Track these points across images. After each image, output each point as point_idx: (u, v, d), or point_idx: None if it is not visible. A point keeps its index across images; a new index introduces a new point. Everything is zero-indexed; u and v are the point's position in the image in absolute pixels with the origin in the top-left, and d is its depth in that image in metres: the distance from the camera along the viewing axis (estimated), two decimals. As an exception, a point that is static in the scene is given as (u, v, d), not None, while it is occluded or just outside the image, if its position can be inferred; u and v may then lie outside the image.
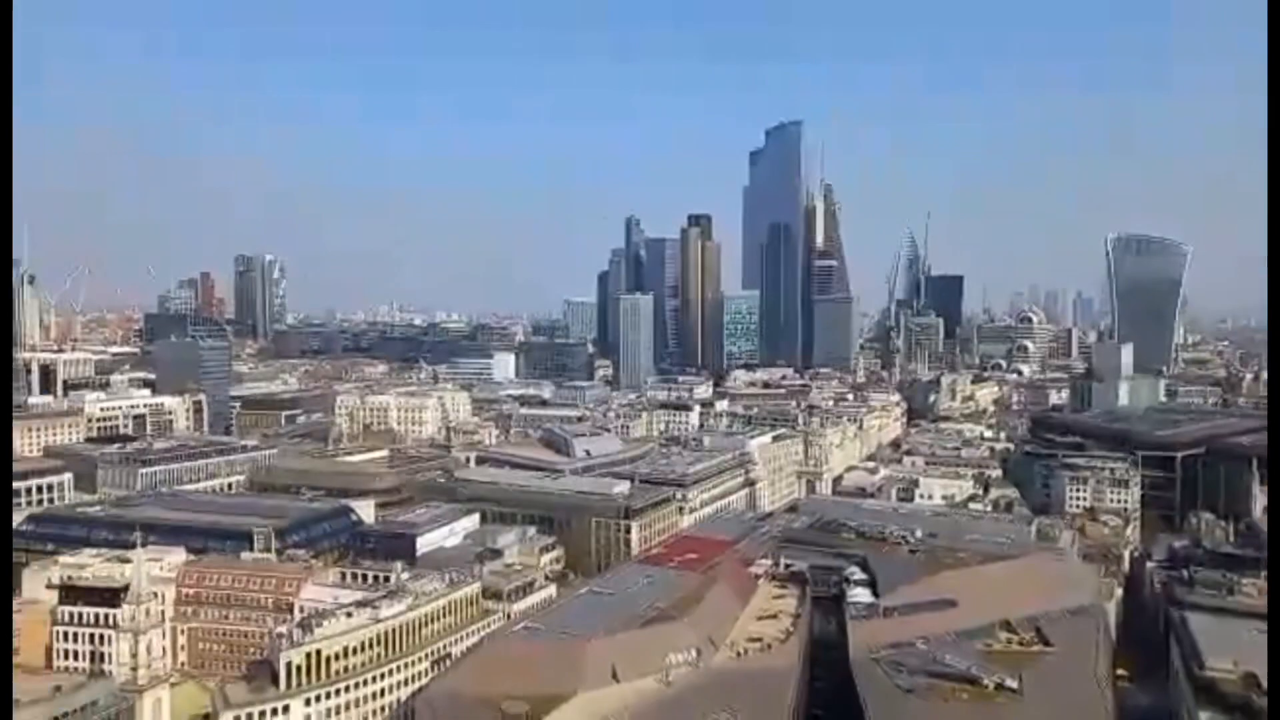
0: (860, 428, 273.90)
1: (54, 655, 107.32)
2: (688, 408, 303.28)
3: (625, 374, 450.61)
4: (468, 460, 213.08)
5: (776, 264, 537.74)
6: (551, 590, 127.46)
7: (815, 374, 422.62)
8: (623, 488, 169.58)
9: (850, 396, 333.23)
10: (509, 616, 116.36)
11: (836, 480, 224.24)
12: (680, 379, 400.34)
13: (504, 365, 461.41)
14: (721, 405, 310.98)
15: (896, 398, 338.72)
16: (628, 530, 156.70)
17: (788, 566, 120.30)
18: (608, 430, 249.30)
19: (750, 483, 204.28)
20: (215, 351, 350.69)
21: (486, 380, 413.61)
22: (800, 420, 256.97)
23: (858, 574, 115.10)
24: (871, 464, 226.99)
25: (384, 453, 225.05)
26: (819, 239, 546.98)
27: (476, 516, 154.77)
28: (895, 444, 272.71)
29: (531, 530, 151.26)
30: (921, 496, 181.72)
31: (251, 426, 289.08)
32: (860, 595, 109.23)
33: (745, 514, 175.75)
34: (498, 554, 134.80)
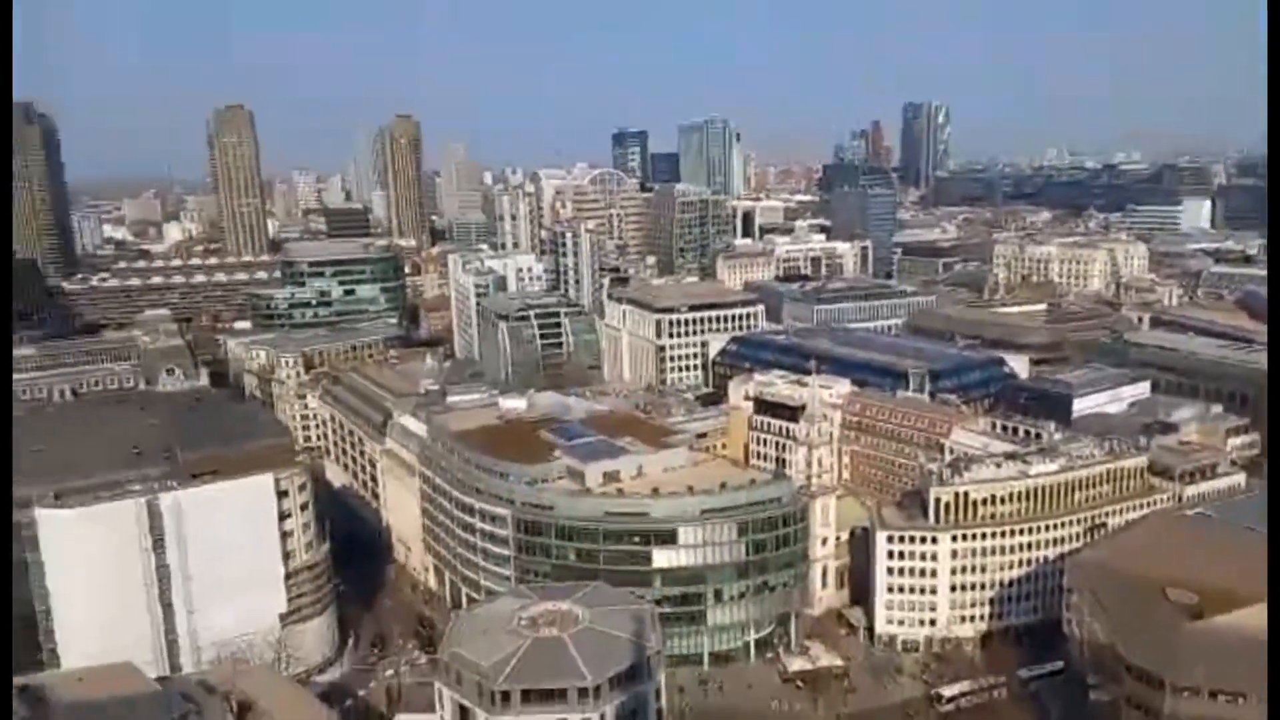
0: None
1: (749, 454, 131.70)
2: None
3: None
4: (1140, 321, 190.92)
5: None
6: (1239, 478, 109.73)
7: None
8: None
9: None
10: (1179, 499, 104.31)
11: None
12: None
13: (1195, 213, 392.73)
14: None
15: None
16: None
17: None
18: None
19: None
20: (881, 200, 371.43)
21: (1170, 230, 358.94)
22: None
23: None
24: None
25: (1042, 306, 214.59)
26: None
27: (1146, 385, 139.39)
28: None
29: (1217, 408, 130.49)
30: None
31: (910, 272, 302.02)
32: None
33: None
34: (1170, 428, 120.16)
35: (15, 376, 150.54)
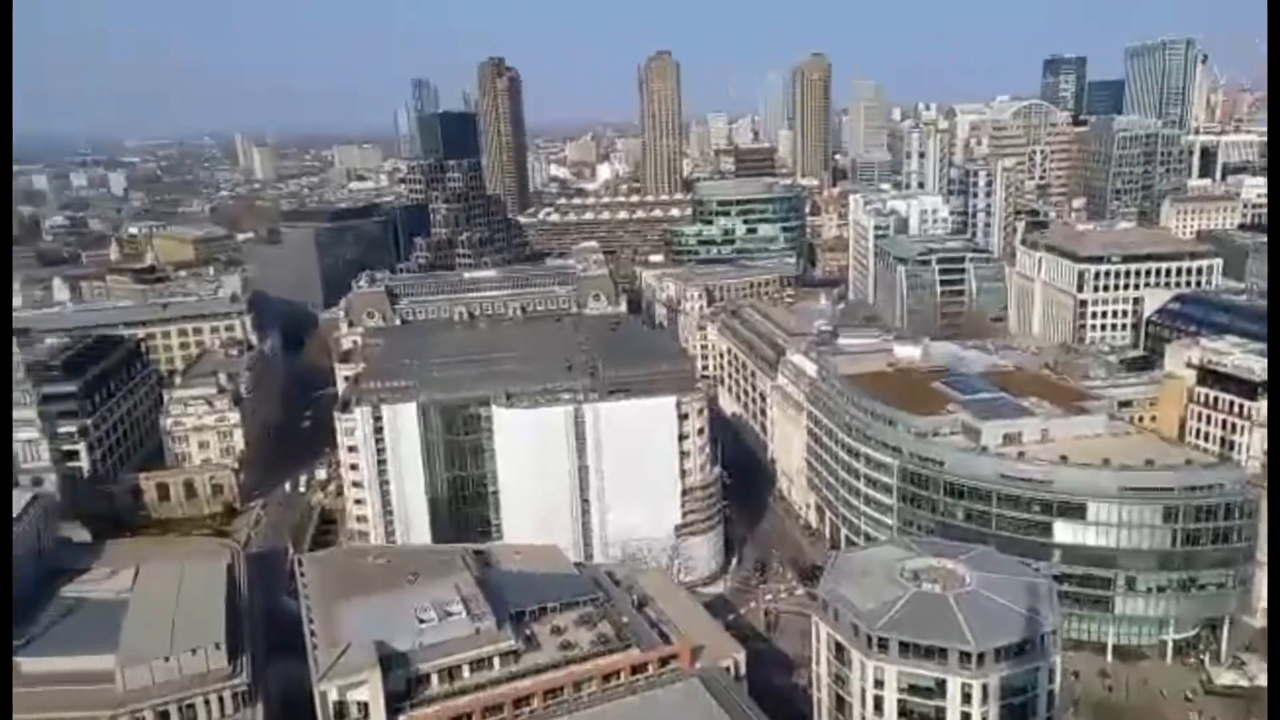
0: None
1: (1184, 431, 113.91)
2: None
3: None
4: None
5: None
6: None
7: None
8: None
9: None
10: None
11: None
12: None
13: None
14: None
15: None
16: None
17: None
18: None
19: None
20: None
21: None
22: None
23: None
24: None
25: None
26: None
27: None
28: None
29: None
30: None
31: None
32: None
33: None
34: None
35: (484, 294, 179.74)
